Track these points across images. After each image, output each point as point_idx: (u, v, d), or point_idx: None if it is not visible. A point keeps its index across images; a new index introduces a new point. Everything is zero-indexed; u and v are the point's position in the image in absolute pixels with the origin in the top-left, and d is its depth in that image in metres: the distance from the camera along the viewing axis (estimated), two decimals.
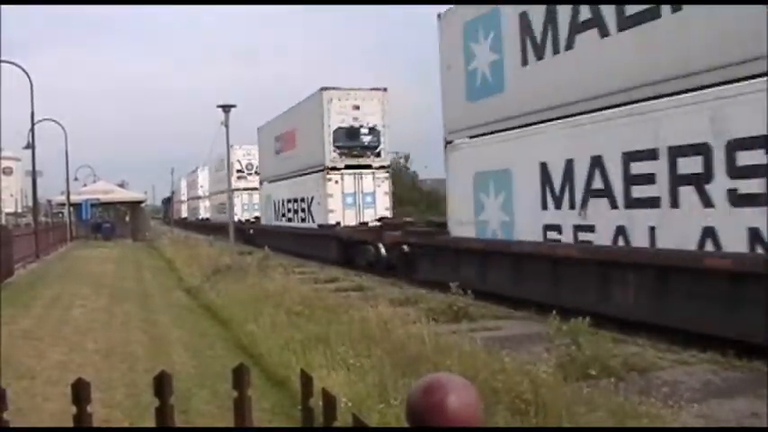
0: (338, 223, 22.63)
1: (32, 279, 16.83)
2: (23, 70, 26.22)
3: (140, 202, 44.75)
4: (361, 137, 23.41)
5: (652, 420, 4.92)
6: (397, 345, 7.01)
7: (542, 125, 11.38)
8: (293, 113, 27.05)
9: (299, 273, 18.03)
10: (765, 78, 7.51)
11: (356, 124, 23.35)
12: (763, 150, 7.57)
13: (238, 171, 38.18)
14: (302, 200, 26.06)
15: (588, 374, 6.42)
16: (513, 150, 12.20)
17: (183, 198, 67.26)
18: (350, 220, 22.90)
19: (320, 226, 23.37)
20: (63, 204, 39.80)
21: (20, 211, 55.08)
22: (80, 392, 1.95)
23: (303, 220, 25.95)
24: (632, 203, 9.47)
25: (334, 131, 23.20)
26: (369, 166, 23.57)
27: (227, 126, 20.23)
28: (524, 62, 11.76)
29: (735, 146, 7.94)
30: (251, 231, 34.10)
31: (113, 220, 41.79)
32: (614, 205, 9.79)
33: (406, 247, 16.98)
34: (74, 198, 38.21)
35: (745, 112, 7.80)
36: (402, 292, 13.37)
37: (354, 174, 23.43)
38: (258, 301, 11.05)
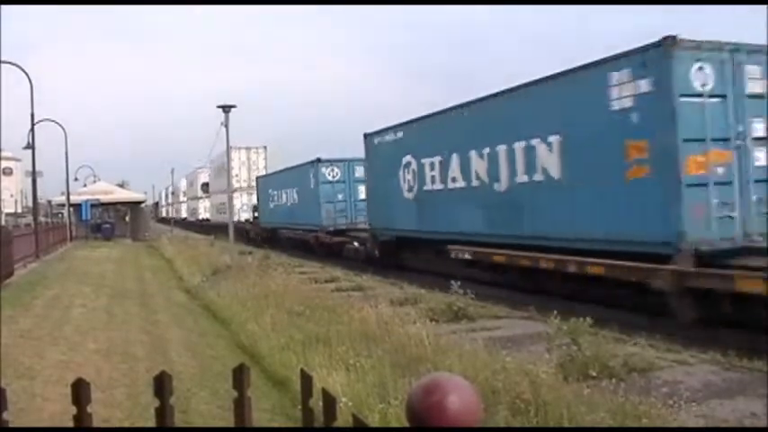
0: None
1: (32, 279, 16.82)
2: (23, 70, 26.13)
3: (140, 203, 44.83)
4: None
5: (652, 420, 4.92)
6: (396, 345, 7.02)
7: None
8: None
9: (299, 272, 18.05)
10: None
11: None
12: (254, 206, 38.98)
13: None
14: None
15: (588, 374, 6.42)
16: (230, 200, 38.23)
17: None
18: None
19: None
20: (63, 205, 39.80)
21: (20, 211, 55.15)
22: (80, 392, 1.94)
23: None
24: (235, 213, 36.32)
25: None
26: None
27: (226, 126, 20.28)
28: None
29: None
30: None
31: (113, 221, 41.82)
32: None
33: None
34: (74, 198, 38.20)
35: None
36: (402, 293, 13.37)
37: None
38: (258, 300, 11.06)
